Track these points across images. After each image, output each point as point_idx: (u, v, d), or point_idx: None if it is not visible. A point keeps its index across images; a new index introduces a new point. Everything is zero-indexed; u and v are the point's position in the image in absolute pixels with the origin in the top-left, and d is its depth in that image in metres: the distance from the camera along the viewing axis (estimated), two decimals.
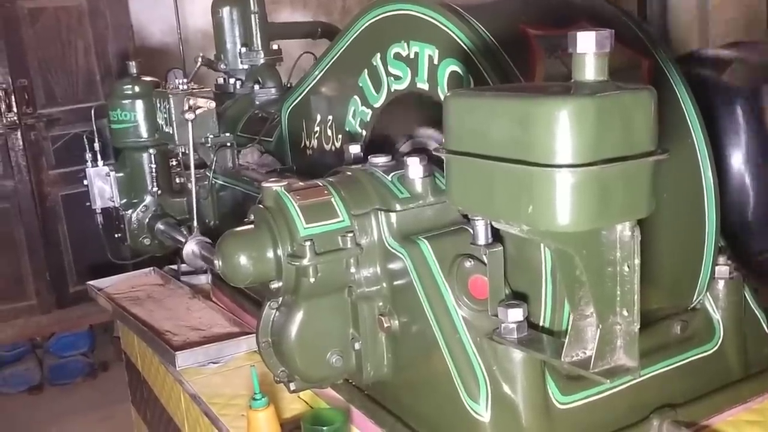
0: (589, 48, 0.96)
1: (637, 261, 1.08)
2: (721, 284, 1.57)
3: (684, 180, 1.47)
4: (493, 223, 1.21)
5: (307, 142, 2.14)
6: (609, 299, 1.10)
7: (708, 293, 1.56)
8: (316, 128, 2.08)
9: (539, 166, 0.97)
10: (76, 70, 5.07)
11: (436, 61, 1.54)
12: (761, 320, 1.65)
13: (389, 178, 1.50)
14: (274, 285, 1.48)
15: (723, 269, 1.56)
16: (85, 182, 2.81)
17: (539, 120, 0.97)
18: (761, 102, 1.89)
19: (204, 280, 2.73)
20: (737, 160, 1.79)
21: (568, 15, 1.55)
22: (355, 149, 1.70)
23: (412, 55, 1.61)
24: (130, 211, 2.75)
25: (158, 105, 2.43)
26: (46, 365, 5.04)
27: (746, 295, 1.62)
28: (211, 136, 2.35)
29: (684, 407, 1.48)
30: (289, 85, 2.68)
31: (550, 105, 0.96)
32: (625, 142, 0.98)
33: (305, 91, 2.12)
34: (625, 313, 1.11)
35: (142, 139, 2.67)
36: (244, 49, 2.81)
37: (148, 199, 2.74)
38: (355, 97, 1.85)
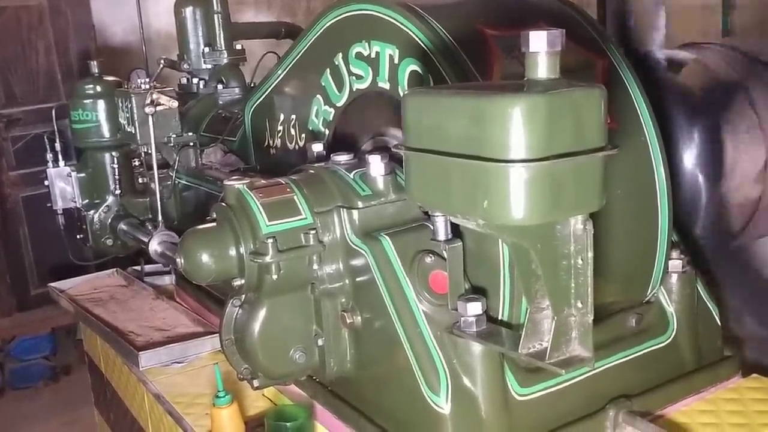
0: (540, 47, 0.99)
1: (590, 254, 1.11)
2: (674, 278, 1.61)
3: (637, 177, 1.51)
4: (451, 218, 1.23)
5: (271, 142, 2.15)
6: (563, 291, 1.13)
7: (662, 287, 1.60)
8: (280, 127, 2.09)
9: (493, 162, 1.00)
10: (37, 70, 4.99)
11: (396, 61, 1.56)
12: (714, 313, 1.70)
13: (351, 175, 1.52)
14: (237, 282, 1.49)
15: (676, 263, 1.60)
16: (47, 183, 2.77)
17: (493, 117, 0.99)
18: (714, 101, 1.95)
19: (168, 280, 2.72)
20: (690, 157, 1.85)
21: (526, 16, 1.59)
22: (317, 148, 1.71)
23: (373, 55, 1.63)
24: (92, 212, 2.72)
25: (120, 104, 2.41)
26: (8, 369, 4.96)
27: (699, 288, 1.67)
28: (174, 135, 2.34)
29: (639, 398, 1.52)
30: (252, 85, 2.68)
31: (504, 102, 0.98)
32: (576, 138, 1.01)
33: (268, 91, 2.13)
34: (579, 305, 1.14)
35: (104, 139, 2.65)
36: (207, 49, 2.81)
37: (110, 199, 2.72)
38: (318, 96, 1.87)
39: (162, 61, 2.66)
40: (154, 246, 2.17)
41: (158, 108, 2.26)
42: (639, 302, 1.59)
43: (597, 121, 1.03)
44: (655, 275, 1.57)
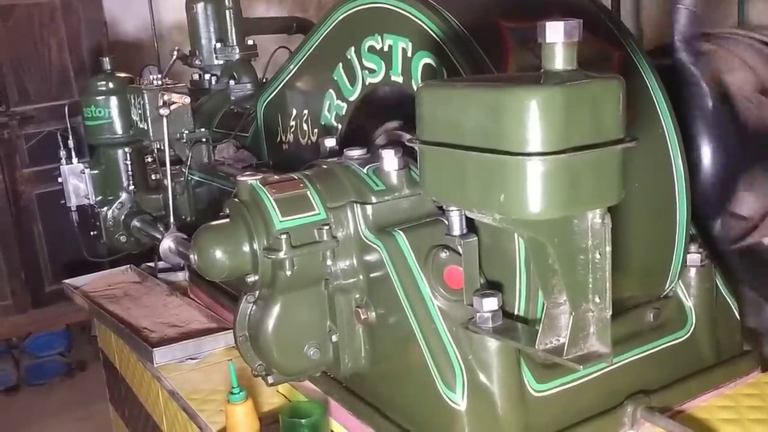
0: (557, 37, 0.97)
1: (608, 248, 1.09)
2: (692, 272, 1.59)
3: (655, 169, 1.49)
4: (467, 212, 1.22)
5: (283, 137, 2.14)
6: (581, 287, 1.11)
7: (680, 281, 1.58)
8: (292, 123, 2.08)
9: (510, 155, 0.98)
10: (49, 67, 5.01)
11: (409, 54, 1.55)
12: (733, 307, 1.68)
13: (365, 170, 1.51)
14: (251, 278, 1.48)
15: (694, 257, 1.58)
16: (60, 180, 2.78)
17: (509, 109, 0.98)
18: (731, 92, 1.92)
19: (181, 277, 2.72)
20: (708, 149, 1.82)
21: (541, 8, 1.57)
22: (330, 143, 1.70)
23: (386, 48, 1.62)
24: (105, 209, 2.73)
25: (132, 101, 2.41)
26: (23, 366, 5.00)
27: (718, 282, 1.65)
28: (186, 131, 2.34)
29: (658, 393, 1.50)
30: (264, 80, 2.67)
31: (520, 94, 0.97)
32: (594, 130, 0.99)
33: (280, 86, 2.12)
34: (597, 300, 1.12)
35: (117, 136, 2.65)
36: (219, 45, 2.80)
37: (123, 196, 2.72)
38: (330, 90, 1.86)
39: (175, 53, 2.66)
40: (165, 246, 2.17)
41: (172, 107, 2.26)
42: (657, 297, 1.57)
43: (615, 112, 1.01)
44: (673, 269, 1.55)
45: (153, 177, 2.69)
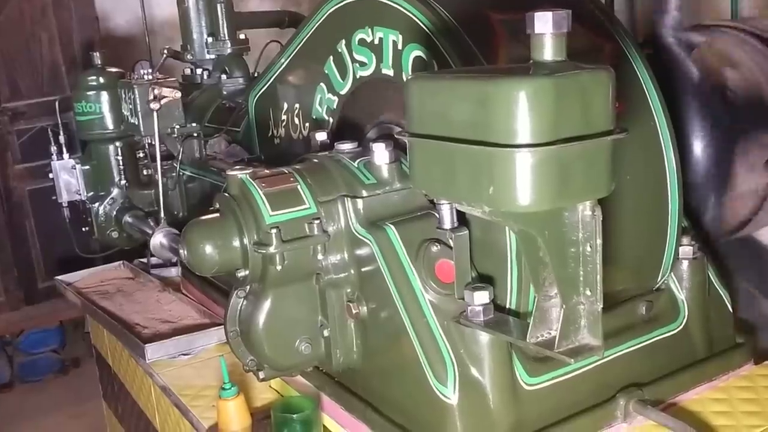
0: (546, 28, 0.97)
1: (599, 241, 1.09)
2: (685, 264, 1.59)
3: (647, 162, 1.48)
4: (456, 205, 1.21)
5: (275, 131, 2.13)
6: (572, 279, 1.11)
7: (672, 274, 1.58)
8: (283, 117, 2.07)
9: (499, 147, 0.97)
10: (40, 63, 4.98)
11: (400, 47, 1.54)
12: (725, 299, 1.68)
13: (355, 164, 1.50)
14: (241, 273, 1.47)
15: (687, 250, 1.58)
16: (52, 176, 2.77)
17: (498, 101, 0.97)
18: (724, 84, 1.92)
19: (174, 272, 2.71)
20: (701, 142, 1.82)
21: None
22: (321, 136, 1.69)
23: (376, 41, 1.61)
24: (97, 204, 2.72)
25: (123, 96, 2.40)
26: (16, 362, 4.98)
27: (710, 274, 1.65)
28: (178, 126, 2.32)
29: (650, 386, 1.50)
30: (256, 75, 2.66)
31: (509, 86, 0.96)
32: (584, 121, 0.98)
33: (271, 80, 2.11)
34: (588, 292, 1.12)
35: (108, 131, 2.64)
36: (210, 39, 2.79)
37: (115, 191, 2.72)
38: (321, 84, 1.84)
39: (165, 52, 2.65)
40: (156, 242, 2.16)
41: (162, 102, 2.25)
42: (649, 289, 1.56)
43: (605, 104, 1.00)
44: (665, 262, 1.54)
45: (145, 172, 2.67)
